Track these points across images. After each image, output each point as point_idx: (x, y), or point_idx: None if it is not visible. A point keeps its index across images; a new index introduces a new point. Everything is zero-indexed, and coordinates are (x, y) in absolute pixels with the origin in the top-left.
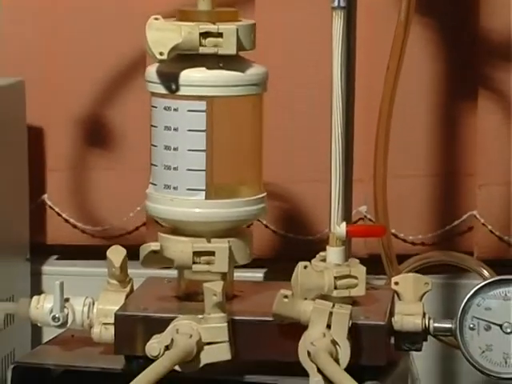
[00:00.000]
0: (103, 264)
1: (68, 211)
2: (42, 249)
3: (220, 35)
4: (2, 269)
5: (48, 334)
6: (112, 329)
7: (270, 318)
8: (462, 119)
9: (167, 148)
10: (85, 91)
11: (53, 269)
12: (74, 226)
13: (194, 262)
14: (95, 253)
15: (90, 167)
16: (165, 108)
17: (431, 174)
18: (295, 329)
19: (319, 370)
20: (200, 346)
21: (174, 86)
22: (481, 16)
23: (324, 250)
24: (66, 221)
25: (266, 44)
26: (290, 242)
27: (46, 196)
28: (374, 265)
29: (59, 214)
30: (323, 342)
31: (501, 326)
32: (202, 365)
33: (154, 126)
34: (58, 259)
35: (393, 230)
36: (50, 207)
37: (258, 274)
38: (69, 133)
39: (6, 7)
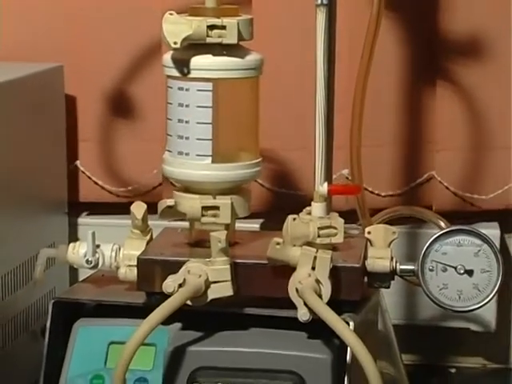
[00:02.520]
0: (127, 217)
1: (97, 175)
2: (76, 206)
3: (224, 28)
4: (44, 220)
5: (83, 274)
6: (135, 270)
7: (265, 261)
8: (423, 98)
9: (180, 121)
10: (111, 75)
11: (86, 220)
12: (102, 188)
13: (202, 215)
14: (120, 209)
15: (116, 138)
16: (178, 88)
17: (399, 142)
18: (286, 270)
19: (305, 304)
20: (207, 284)
21: (185, 70)
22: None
23: (310, 205)
24: (96, 183)
25: (263, 35)
26: (282, 198)
27: (78, 162)
28: (350, 217)
29: (90, 177)
30: (309, 281)
31: (455, 268)
32: (209, 300)
33: (170, 103)
34: (88, 215)
35: (370, 188)
36: (82, 172)
37: (255, 225)
38: (97, 109)
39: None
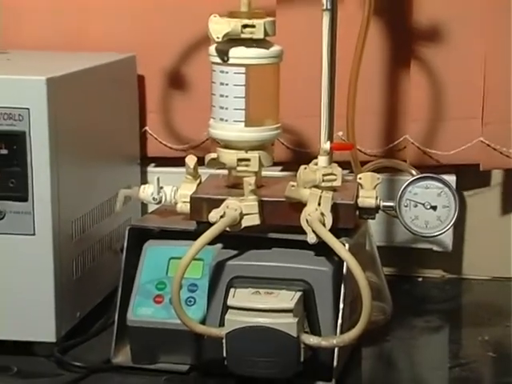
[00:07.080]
0: (182, 167)
1: (161, 137)
2: (146, 159)
3: (254, 26)
4: (123, 169)
5: (151, 208)
6: (188, 205)
7: (284, 199)
8: (401, 77)
9: (221, 96)
10: (172, 61)
11: (153, 169)
12: (165, 146)
13: (237, 165)
14: (177, 161)
15: (175, 109)
16: (220, 71)
17: (383, 112)
18: (299, 206)
19: (313, 231)
20: (241, 216)
21: (225, 58)
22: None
23: (317, 158)
24: (160, 142)
25: (283, 32)
26: (296, 153)
27: (147, 127)
28: (346, 167)
29: (156, 138)
30: (316, 214)
31: (423, 204)
32: (242, 227)
33: (214, 82)
34: (155, 166)
35: (359, 147)
36: (150, 134)
37: (277, 173)
38: (160, 87)
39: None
